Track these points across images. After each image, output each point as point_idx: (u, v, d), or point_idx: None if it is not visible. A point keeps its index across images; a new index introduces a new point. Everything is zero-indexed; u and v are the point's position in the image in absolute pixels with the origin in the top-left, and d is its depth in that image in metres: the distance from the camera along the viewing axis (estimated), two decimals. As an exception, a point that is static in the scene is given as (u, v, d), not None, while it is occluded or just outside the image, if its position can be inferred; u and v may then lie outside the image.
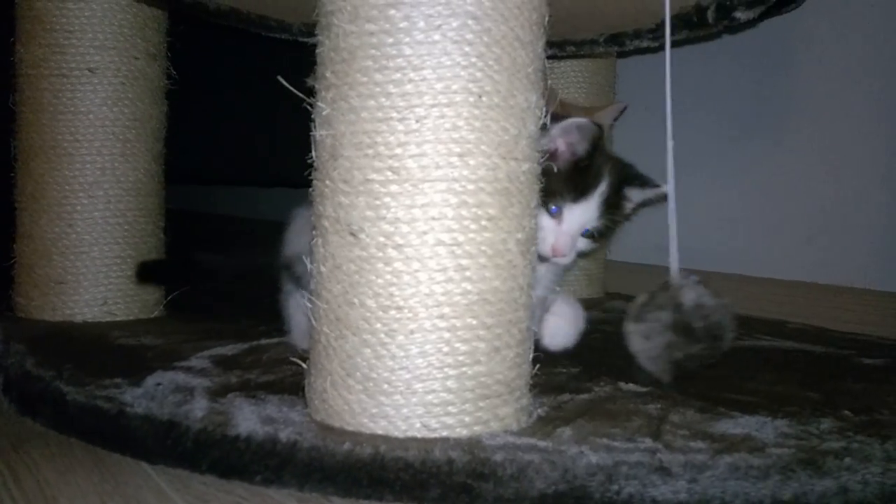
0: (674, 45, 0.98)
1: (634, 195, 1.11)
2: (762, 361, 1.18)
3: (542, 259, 1.05)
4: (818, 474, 0.73)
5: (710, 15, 1.17)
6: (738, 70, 1.56)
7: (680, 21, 1.19)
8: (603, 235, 1.11)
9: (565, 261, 1.06)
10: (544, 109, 0.84)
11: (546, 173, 0.90)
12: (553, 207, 1.04)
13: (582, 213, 1.05)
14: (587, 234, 1.08)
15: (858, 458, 0.75)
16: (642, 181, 1.11)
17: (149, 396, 0.86)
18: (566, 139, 1.03)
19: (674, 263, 0.90)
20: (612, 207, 1.08)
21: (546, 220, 1.04)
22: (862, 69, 1.45)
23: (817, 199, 1.51)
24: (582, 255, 1.14)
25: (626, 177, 1.10)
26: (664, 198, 1.01)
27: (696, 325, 0.75)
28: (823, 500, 0.73)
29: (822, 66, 1.49)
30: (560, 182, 1.02)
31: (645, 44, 1.30)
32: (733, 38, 1.46)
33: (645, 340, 0.77)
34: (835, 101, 1.47)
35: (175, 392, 0.87)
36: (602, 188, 1.05)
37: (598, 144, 1.03)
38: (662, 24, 1.01)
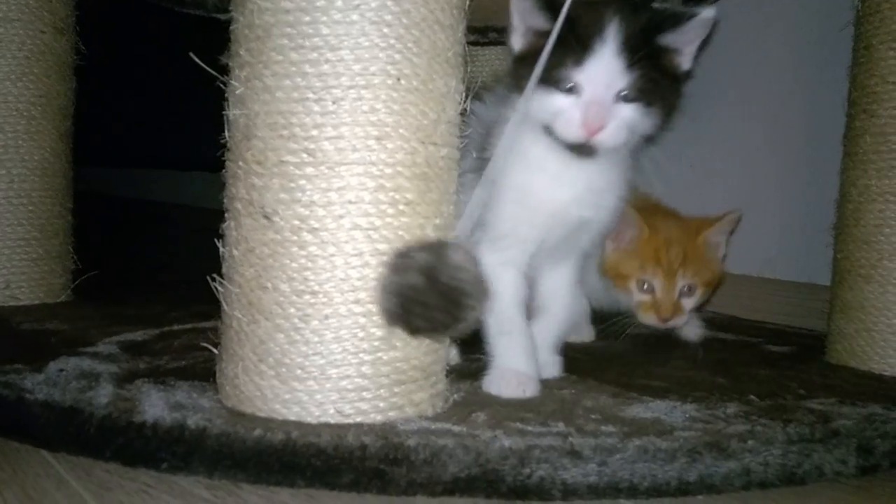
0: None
1: (675, 39, 0.88)
2: (675, 348, 1.22)
3: (585, 150, 0.86)
4: (723, 456, 0.75)
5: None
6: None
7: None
8: (656, 96, 0.87)
9: (609, 138, 0.85)
10: (463, 95, 0.83)
11: (538, 55, 0.83)
12: (563, 82, 0.85)
13: (601, 71, 0.84)
14: (630, 98, 0.85)
15: (761, 441, 0.77)
16: (675, 18, 0.86)
17: (50, 382, 0.82)
18: (522, 18, 0.88)
19: (464, 224, 0.84)
20: (648, 57, 0.85)
21: (561, 100, 0.85)
22: (774, 70, 1.50)
23: (729, 193, 1.55)
24: (645, 138, 0.90)
25: (656, 21, 0.86)
26: (711, 24, 0.86)
27: (443, 279, 0.72)
28: (727, 481, 0.75)
29: (738, 65, 1.53)
30: (557, 52, 0.83)
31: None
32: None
33: (393, 273, 0.74)
34: (749, 100, 1.52)
35: (79, 378, 0.84)
36: (613, 32, 0.84)
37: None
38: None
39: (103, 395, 0.79)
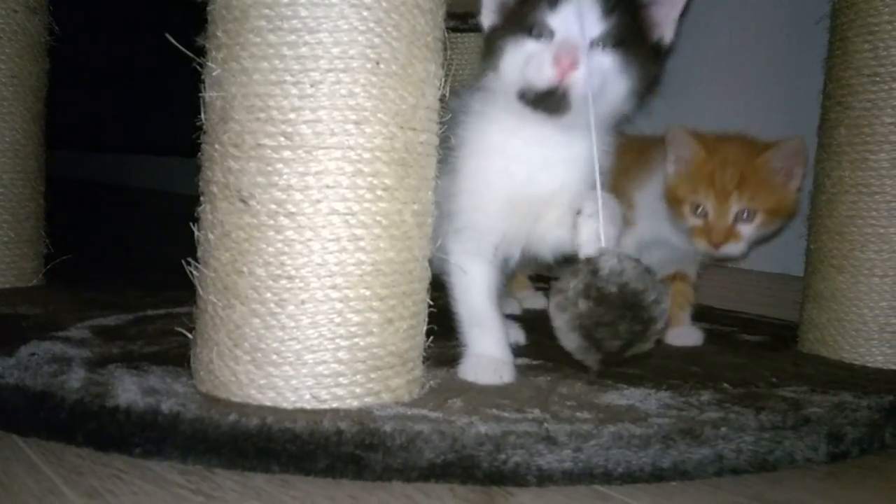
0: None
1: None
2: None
3: (555, 104, 0.82)
4: (696, 443, 0.76)
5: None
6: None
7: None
8: (634, 50, 0.84)
9: (581, 80, 0.80)
10: (443, 81, 0.83)
11: (510, 17, 0.84)
12: (535, 29, 0.82)
13: (575, 14, 0.81)
14: (607, 45, 0.83)
15: (734, 428, 0.78)
16: None
17: (21, 367, 0.81)
18: None
19: (601, 238, 0.80)
20: (628, 8, 0.84)
21: (532, 45, 0.83)
22: (750, 62, 1.50)
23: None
24: (618, 95, 0.86)
25: None
26: None
27: (610, 290, 0.69)
28: (700, 467, 0.76)
29: (713, 58, 1.54)
30: (529, 2, 0.83)
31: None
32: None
33: (560, 312, 0.71)
34: (725, 92, 1.52)
35: (51, 362, 0.83)
36: None
37: None
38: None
39: (75, 379, 0.78)
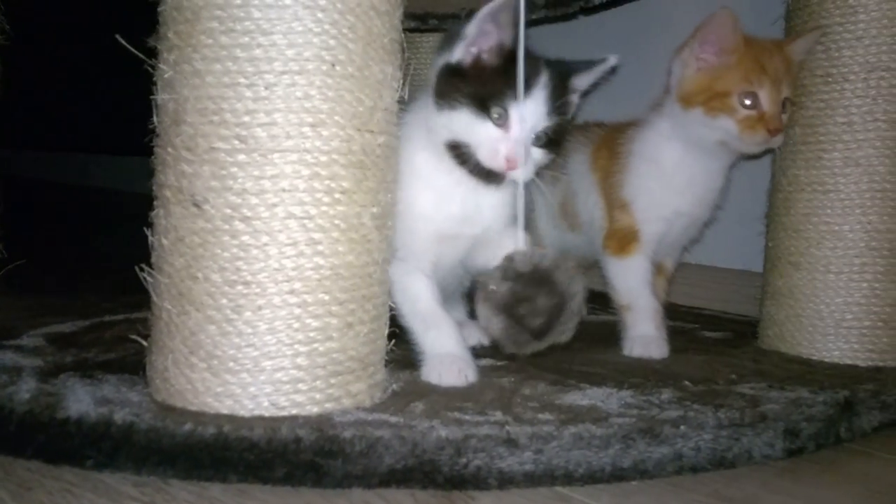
0: (531, 24, 0.98)
1: (582, 81, 0.98)
2: (614, 335, 1.23)
3: (494, 178, 0.92)
4: (656, 442, 0.76)
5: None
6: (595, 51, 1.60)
7: (541, -1, 1.21)
8: (555, 143, 0.95)
9: (521, 174, 0.91)
10: (401, 82, 0.82)
11: (478, 76, 0.87)
12: (496, 112, 0.89)
13: (530, 112, 0.90)
14: (539, 143, 0.93)
15: (693, 426, 0.79)
16: (587, 64, 0.97)
17: (-31, 378, 0.79)
18: (487, 30, 0.89)
19: (519, 237, 0.88)
20: (561, 102, 0.93)
21: (491, 130, 0.89)
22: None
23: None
24: (540, 172, 0.98)
25: (568, 66, 0.96)
26: (613, 71, 0.97)
27: (524, 269, 0.77)
28: (660, 466, 0.77)
29: (666, 53, 1.55)
30: (497, 80, 0.89)
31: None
32: (589, 20, 1.49)
33: (485, 302, 0.78)
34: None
35: (0, 373, 0.81)
36: (544, 77, 0.91)
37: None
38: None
39: (25, 390, 0.76)
